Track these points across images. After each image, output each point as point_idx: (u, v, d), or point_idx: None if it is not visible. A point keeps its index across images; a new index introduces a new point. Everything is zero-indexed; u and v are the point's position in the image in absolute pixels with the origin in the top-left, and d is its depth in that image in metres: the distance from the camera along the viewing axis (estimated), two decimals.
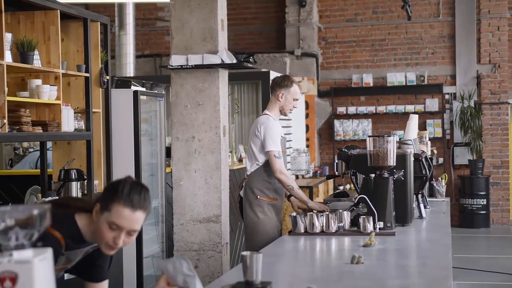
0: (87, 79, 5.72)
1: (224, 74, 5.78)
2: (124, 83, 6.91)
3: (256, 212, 5.13)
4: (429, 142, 7.06)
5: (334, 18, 13.07)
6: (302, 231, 4.38)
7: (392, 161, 4.49)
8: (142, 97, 6.51)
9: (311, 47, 12.86)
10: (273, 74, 9.11)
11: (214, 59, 5.55)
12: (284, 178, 5.02)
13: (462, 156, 12.50)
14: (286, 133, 9.55)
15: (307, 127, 12.26)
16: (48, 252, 1.82)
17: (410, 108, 12.51)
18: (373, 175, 4.50)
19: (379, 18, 12.92)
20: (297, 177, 10.24)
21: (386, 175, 4.50)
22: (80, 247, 2.80)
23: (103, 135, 6.07)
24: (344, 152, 5.08)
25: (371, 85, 12.79)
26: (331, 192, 10.43)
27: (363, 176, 4.67)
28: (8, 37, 4.85)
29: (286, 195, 5.28)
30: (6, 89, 4.71)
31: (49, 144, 6.18)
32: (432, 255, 3.81)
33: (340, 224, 4.38)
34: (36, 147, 8.02)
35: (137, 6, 12.57)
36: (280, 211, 5.29)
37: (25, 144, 8.86)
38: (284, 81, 5.19)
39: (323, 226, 4.36)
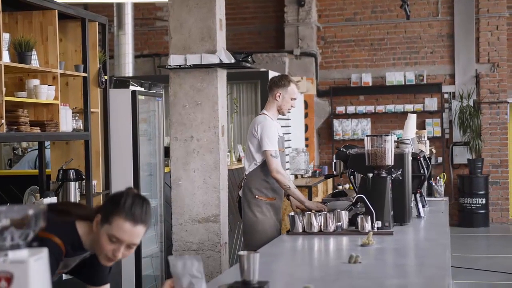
0: (85, 79, 5.72)
1: (222, 74, 5.78)
2: (123, 83, 6.91)
3: (254, 212, 5.13)
4: (427, 142, 7.06)
5: (333, 17, 13.07)
6: (300, 230, 4.38)
7: (390, 160, 4.49)
8: (141, 97, 6.51)
9: (310, 46, 12.86)
10: (272, 74, 9.10)
11: (213, 59, 5.55)
12: (280, 177, 5.02)
13: (461, 156, 12.51)
14: (285, 132, 9.55)
15: (306, 126, 12.26)
16: (44, 252, 1.82)
17: (409, 107, 12.51)
18: (371, 174, 4.50)
19: (378, 18, 12.92)
20: (296, 176, 10.24)
21: (384, 174, 4.50)
22: (79, 254, 2.80)
23: (102, 135, 6.06)
24: (342, 151, 5.08)
25: (370, 84, 12.80)
26: (330, 191, 10.42)
27: (361, 175, 4.67)
28: (6, 37, 4.85)
29: (285, 194, 5.28)
30: (4, 89, 4.70)
31: (47, 142, 6.19)
32: (430, 254, 3.80)
33: (338, 223, 4.38)
34: (34, 146, 8.02)
35: (136, 6, 12.57)
36: (279, 211, 5.28)
37: (24, 144, 8.85)
38: (282, 81, 5.19)
39: (321, 225, 4.36)
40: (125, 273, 6.24)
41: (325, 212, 4.44)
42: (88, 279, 2.94)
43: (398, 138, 5.67)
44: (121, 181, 6.29)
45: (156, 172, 6.96)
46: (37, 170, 6.08)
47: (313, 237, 4.29)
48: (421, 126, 12.22)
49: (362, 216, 4.35)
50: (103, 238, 2.65)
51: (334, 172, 5.34)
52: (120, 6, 11.31)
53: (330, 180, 11.02)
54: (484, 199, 12.18)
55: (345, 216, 4.44)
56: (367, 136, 4.56)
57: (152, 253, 6.81)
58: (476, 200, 12.16)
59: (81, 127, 5.70)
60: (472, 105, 12.34)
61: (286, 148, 9.44)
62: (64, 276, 3.56)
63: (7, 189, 6.46)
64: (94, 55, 5.93)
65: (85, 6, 12.42)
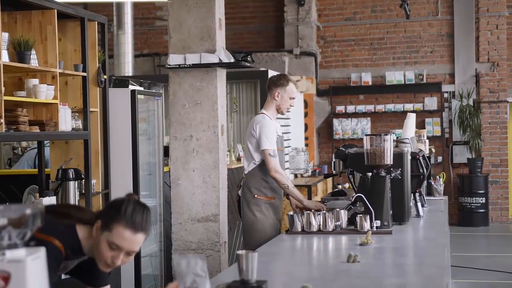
0: (84, 78, 5.72)
1: (222, 73, 5.78)
2: (122, 82, 6.91)
3: (253, 211, 5.14)
4: (427, 141, 7.06)
5: (332, 17, 13.07)
6: (299, 230, 4.39)
7: (389, 159, 4.49)
8: (140, 96, 6.51)
9: (309, 46, 12.86)
10: (272, 73, 9.10)
11: (212, 58, 5.55)
12: (279, 176, 5.02)
13: (461, 155, 12.51)
14: (285, 132, 9.56)
15: (306, 126, 12.26)
16: (41, 252, 1.82)
17: (409, 106, 12.51)
18: (370, 173, 4.50)
19: (378, 17, 12.92)
20: (295, 176, 10.25)
21: (383, 173, 4.50)
22: (78, 258, 2.80)
23: (101, 135, 6.06)
24: (341, 150, 5.08)
25: (370, 84, 12.80)
26: (330, 191, 10.43)
27: (360, 175, 4.67)
28: (5, 36, 4.84)
29: (284, 194, 5.28)
30: (3, 88, 4.70)
31: (46, 141, 6.18)
32: (428, 253, 3.81)
33: (337, 223, 4.38)
34: (33, 145, 8.02)
35: (136, 6, 12.57)
36: (279, 210, 5.28)
37: (24, 144, 8.86)
38: (280, 80, 5.19)
39: (320, 225, 4.36)
40: (124, 272, 6.24)
41: (324, 212, 4.44)
42: (88, 280, 2.94)
43: (397, 138, 5.67)
44: (121, 180, 6.29)
45: (155, 172, 6.96)
46: (36, 170, 6.08)
47: (312, 236, 4.29)
48: (421, 125, 12.21)
49: (361, 215, 4.35)
50: (103, 245, 2.65)
51: (334, 171, 5.34)
52: (119, 5, 11.31)
53: (329, 180, 11.03)
54: (483, 198, 12.18)
55: (344, 215, 4.44)
56: (366, 135, 4.56)
57: (151, 252, 6.82)
58: (475, 199, 12.16)
59: (81, 127, 5.70)
60: (472, 105, 12.34)
61: (285, 147, 9.46)
62: (63, 276, 3.55)
63: (7, 189, 6.46)
64: (94, 54, 5.93)
65: (85, 5, 12.43)
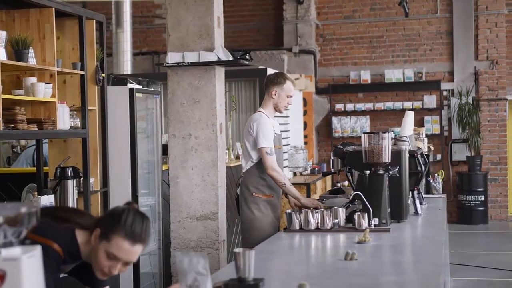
0: (82, 77, 5.72)
1: (220, 72, 5.78)
2: (120, 80, 6.90)
3: (251, 209, 5.14)
4: (425, 139, 7.06)
5: (332, 15, 13.06)
6: (297, 228, 4.39)
7: (387, 157, 4.49)
8: (138, 95, 6.51)
9: (309, 44, 12.85)
10: (271, 71, 9.09)
11: (211, 57, 5.55)
12: (276, 174, 5.02)
13: (460, 153, 12.50)
14: (284, 130, 9.56)
15: (305, 124, 12.26)
16: (37, 250, 1.82)
17: (408, 104, 12.51)
18: (368, 171, 4.50)
19: (377, 15, 12.91)
20: (294, 174, 10.25)
21: (381, 171, 4.50)
22: (75, 262, 2.80)
23: (99, 133, 6.06)
24: (339, 148, 5.08)
25: (369, 82, 12.80)
26: (329, 189, 10.43)
27: (358, 173, 4.67)
28: (2, 35, 4.84)
29: (283, 192, 5.28)
30: (1, 87, 4.71)
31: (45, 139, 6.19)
32: (426, 251, 3.81)
33: (335, 221, 4.38)
34: (31, 143, 8.01)
35: (135, 4, 12.57)
36: (277, 208, 5.28)
37: (23, 142, 8.85)
38: (277, 78, 5.19)
39: (318, 223, 4.36)
40: None
41: (322, 210, 4.44)
42: (87, 281, 2.94)
43: (395, 135, 5.67)
44: (119, 179, 6.29)
45: (154, 170, 6.96)
46: (35, 168, 6.08)
47: (310, 234, 4.30)
48: (420, 123, 12.21)
49: (359, 213, 4.35)
50: (101, 254, 2.65)
51: (332, 169, 5.34)
52: (118, 4, 11.30)
53: (328, 178, 11.03)
54: (483, 196, 12.18)
55: (342, 213, 4.44)
56: (364, 133, 4.56)
57: (150, 250, 6.82)
58: (475, 197, 12.16)
59: (79, 125, 5.70)
60: (471, 102, 12.33)
61: (284, 145, 9.47)
62: (62, 274, 3.55)
63: (6, 187, 6.46)
64: (92, 53, 5.93)
65: (84, 4, 12.42)
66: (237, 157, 8.34)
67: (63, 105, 5.43)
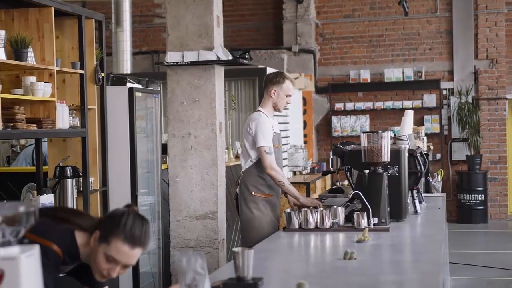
0: (82, 76, 5.72)
1: (220, 71, 5.78)
2: (120, 80, 6.90)
3: (251, 209, 5.14)
4: (425, 138, 7.06)
5: (331, 14, 13.06)
6: (297, 227, 4.39)
7: (386, 157, 4.49)
8: (138, 94, 6.51)
9: (308, 43, 12.85)
10: (270, 71, 9.10)
11: (210, 56, 5.55)
12: (274, 174, 5.02)
13: (460, 152, 12.50)
14: (284, 129, 9.56)
15: (305, 123, 12.26)
16: (35, 249, 1.82)
17: (407, 104, 12.50)
18: (367, 171, 4.50)
19: (377, 14, 12.91)
20: (294, 173, 10.25)
21: (380, 171, 4.50)
22: (74, 263, 2.80)
23: (99, 132, 6.06)
24: (339, 148, 5.08)
25: (369, 81, 12.79)
26: (328, 188, 10.42)
27: (358, 172, 4.67)
28: (1, 34, 4.84)
29: (282, 191, 5.28)
30: (0, 86, 4.71)
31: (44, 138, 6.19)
32: (425, 250, 3.81)
33: (335, 220, 4.38)
34: (30, 141, 8.02)
35: (134, 3, 12.56)
36: (276, 207, 5.28)
37: (22, 141, 8.85)
38: (276, 78, 5.19)
39: (317, 222, 4.36)
40: None
41: (322, 209, 4.44)
42: (86, 282, 2.94)
43: (395, 135, 5.67)
44: (118, 178, 6.29)
45: (153, 169, 6.96)
46: (34, 167, 6.08)
47: (309, 233, 4.30)
48: (419, 122, 12.21)
49: (358, 212, 4.35)
50: (100, 256, 2.65)
51: (331, 168, 5.34)
52: (118, 3, 11.30)
53: (328, 177, 11.03)
54: (482, 195, 12.18)
55: (341, 212, 4.44)
56: (363, 132, 4.56)
57: (149, 249, 6.82)
58: (474, 196, 12.16)
59: (78, 124, 5.70)
60: (471, 102, 12.33)
61: (284, 144, 9.47)
62: (60, 274, 3.55)
63: (5, 186, 6.46)
64: (91, 52, 5.93)
65: (83, 3, 12.41)
66: (237, 156, 8.34)
67: (62, 105, 5.43)
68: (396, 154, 4.65)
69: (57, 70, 5.36)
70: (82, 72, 5.70)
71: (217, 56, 5.53)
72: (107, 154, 6.13)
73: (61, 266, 2.73)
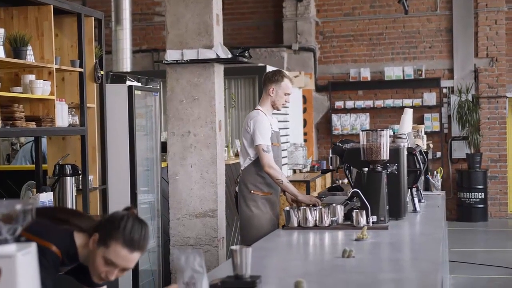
0: (81, 74, 5.72)
1: (219, 69, 5.78)
2: (119, 78, 6.90)
3: (250, 207, 5.14)
4: (424, 136, 7.05)
5: (331, 12, 13.05)
6: (296, 225, 4.39)
7: (385, 155, 4.49)
8: (137, 92, 6.50)
9: (308, 41, 12.84)
10: (270, 69, 9.10)
11: (209, 54, 5.55)
12: (272, 172, 5.02)
13: (460, 150, 12.50)
14: (284, 127, 9.56)
15: (305, 121, 12.26)
16: (32, 247, 1.82)
17: (407, 102, 12.50)
18: (366, 169, 4.50)
19: (377, 12, 12.90)
20: (294, 171, 10.25)
21: (379, 169, 4.50)
22: (73, 264, 2.80)
23: (98, 130, 6.06)
24: (338, 146, 5.08)
25: (369, 79, 12.79)
26: (328, 186, 10.42)
27: (357, 170, 4.67)
28: (1, 32, 4.84)
29: (282, 189, 5.28)
30: None
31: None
32: (424, 248, 3.81)
33: (334, 218, 4.38)
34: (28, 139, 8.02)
35: (134, 1, 12.56)
36: (276, 206, 5.28)
37: (22, 139, 8.85)
38: (275, 76, 5.19)
39: (316, 220, 4.36)
40: None
41: (321, 207, 4.44)
42: (85, 281, 2.94)
43: (394, 133, 5.67)
44: (118, 176, 6.29)
45: (153, 167, 6.96)
46: (34, 165, 6.08)
47: (308, 231, 4.30)
48: (419, 120, 12.21)
49: (357, 210, 4.35)
50: (98, 259, 2.65)
51: (331, 167, 5.34)
52: (118, 1, 11.28)
53: (328, 175, 11.02)
54: (482, 193, 12.18)
55: (340, 210, 4.44)
56: (362, 130, 4.56)
57: (149, 247, 6.81)
58: (474, 195, 12.16)
59: (77, 122, 5.70)
60: (471, 100, 12.33)
61: (284, 143, 9.47)
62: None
63: (5, 184, 6.47)
64: (90, 50, 5.92)
65: (83, 1, 12.42)
66: (236, 155, 8.33)
67: (61, 103, 5.43)
68: (395, 152, 4.65)
69: (56, 68, 5.36)
70: (82, 70, 5.70)
71: (217, 54, 5.53)
72: (106, 152, 6.12)
73: (60, 267, 2.73)
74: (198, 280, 2.41)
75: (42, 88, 5.14)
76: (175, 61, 5.60)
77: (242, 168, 5.22)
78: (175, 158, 5.68)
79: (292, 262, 3.60)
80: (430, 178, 6.66)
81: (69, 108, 5.59)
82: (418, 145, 5.75)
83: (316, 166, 10.84)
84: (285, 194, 5.30)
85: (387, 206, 4.48)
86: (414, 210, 5.10)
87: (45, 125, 5.18)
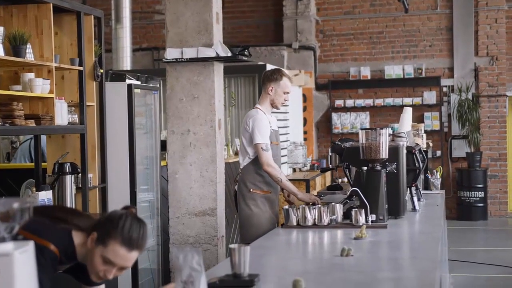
0: (80, 72, 5.71)
1: (219, 68, 5.77)
2: (119, 76, 6.90)
3: (249, 205, 5.14)
4: (424, 135, 7.05)
5: (331, 11, 13.05)
6: (295, 224, 4.39)
7: (384, 154, 4.49)
8: (137, 91, 6.50)
9: (308, 40, 12.84)
10: (270, 67, 9.10)
11: (209, 52, 5.54)
12: (271, 170, 5.02)
13: (460, 149, 12.50)
14: (284, 126, 9.55)
15: (305, 120, 12.25)
16: (29, 246, 1.82)
17: (407, 101, 12.50)
18: (365, 168, 4.50)
19: (377, 11, 12.90)
20: (294, 170, 10.25)
21: (378, 168, 4.50)
22: (71, 263, 2.80)
23: (98, 129, 6.06)
24: (337, 145, 5.08)
25: (369, 78, 12.79)
26: (328, 185, 10.42)
27: (356, 169, 4.67)
28: (0, 30, 4.84)
29: (281, 188, 5.28)
30: None
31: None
32: (422, 247, 3.81)
33: (333, 217, 4.38)
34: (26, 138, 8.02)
35: (134, 0, 12.55)
36: (275, 204, 5.28)
37: (22, 138, 8.86)
38: (274, 75, 5.19)
39: (315, 219, 4.36)
40: None
41: (320, 206, 4.44)
42: (83, 280, 2.94)
43: (393, 132, 5.66)
44: (117, 174, 6.29)
45: (152, 166, 6.96)
46: (33, 164, 6.08)
47: (307, 230, 4.30)
48: (419, 119, 12.20)
49: (356, 209, 4.35)
50: (97, 258, 2.65)
51: (330, 165, 5.34)
52: None
53: (328, 174, 11.03)
54: (482, 192, 12.18)
55: (339, 209, 4.44)
56: (361, 129, 4.56)
57: (148, 246, 6.82)
58: (474, 194, 12.16)
59: (77, 121, 5.70)
60: (471, 99, 12.32)
61: (284, 141, 9.46)
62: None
63: (5, 183, 6.47)
64: (90, 48, 5.92)
65: (83, 0, 12.41)
66: (236, 153, 8.33)
67: (61, 101, 5.43)
68: (394, 151, 4.65)
69: (55, 67, 5.36)
70: (81, 68, 5.70)
71: (217, 53, 5.53)
72: (106, 150, 6.13)
73: (58, 266, 2.73)
74: (196, 278, 2.41)
75: (41, 87, 5.14)
76: (175, 60, 5.59)
77: (241, 167, 5.22)
78: (174, 156, 5.68)
79: (290, 261, 3.60)
80: (430, 177, 6.66)
81: (68, 106, 5.59)
82: (417, 144, 5.75)
83: (316, 164, 10.84)
84: (283, 192, 5.30)
85: (386, 205, 4.48)
86: (413, 209, 5.10)
87: (44, 124, 5.17)
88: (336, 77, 13.04)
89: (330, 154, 5.22)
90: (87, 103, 5.83)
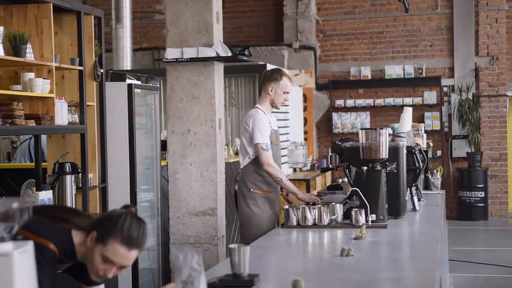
0: (81, 72, 5.71)
1: (219, 67, 5.77)
2: (119, 76, 6.90)
3: (249, 205, 5.14)
4: (424, 135, 7.04)
5: (332, 10, 13.05)
6: (295, 224, 4.39)
7: (384, 153, 4.49)
8: (137, 91, 6.50)
9: (309, 39, 12.84)
10: (270, 67, 9.10)
11: (209, 52, 5.54)
12: (271, 170, 5.02)
13: (460, 149, 12.49)
14: (284, 126, 9.55)
15: (305, 120, 12.25)
16: (29, 245, 1.82)
17: (408, 100, 12.50)
18: (365, 168, 4.50)
19: (377, 11, 12.89)
20: (294, 170, 10.25)
21: (378, 167, 4.50)
22: (70, 262, 2.80)
23: (98, 129, 6.06)
24: (337, 145, 5.08)
25: (369, 78, 12.78)
26: (329, 185, 10.41)
27: (356, 169, 4.67)
28: (0, 30, 4.84)
29: (281, 188, 5.28)
30: None
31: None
32: (422, 247, 3.81)
33: (333, 217, 4.38)
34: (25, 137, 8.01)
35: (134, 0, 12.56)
36: (275, 204, 5.28)
37: (22, 138, 8.85)
38: (274, 75, 5.19)
39: (315, 219, 4.36)
40: None
41: (320, 206, 4.44)
42: (82, 279, 2.94)
43: (394, 131, 5.66)
44: (118, 174, 6.29)
45: (153, 166, 6.96)
46: (33, 164, 6.08)
47: (307, 230, 4.30)
48: (420, 119, 12.20)
49: (356, 209, 4.35)
50: (96, 257, 2.65)
51: (330, 165, 5.34)
52: None
53: (329, 174, 11.03)
54: (483, 192, 12.17)
55: (339, 209, 4.44)
56: (361, 129, 4.56)
57: (149, 246, 6.82)
58: (475, 194, 12.16)
59: (77, 121, 5.70)
60: (471, 99, 12.32)
61: (284, 141, 9.46)
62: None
63: (5, 183, 6.47)
64: (90, 48, 5.92)
65: None
66: (236, 153, 8.33)
67: (61, 101, 5.43)
68: (394, 151, 4.65)
69: (55, 66, 5.36)
70: (81, 68, 5.70)
71: (217, 53, 5.52)
72: (106, 150, 6.13)
73: (57, 265, 2.73)
74: (196, 278, 2.40)
75: (41, 86, 5.14)
76: (175, 59, 5.58)
77: (241, 167, 5.22)
78: (175, 156, 5.68)
79: (290, 261, 3.60)
80: (430, 177, 6.66)
81: (68, 106, 5.59)
82: (417, 144, 5.74)
83: (316, 164, 10.84)
84: (282, 192, 5.30)
85: (386, 205, 4.47)
86: (414, 209, 5.10)
87: (44, 123, 5.17)
88: (336, 77, 13.04)
89: (330, 154, 5.22)
90: (87, 103, 5.83)
